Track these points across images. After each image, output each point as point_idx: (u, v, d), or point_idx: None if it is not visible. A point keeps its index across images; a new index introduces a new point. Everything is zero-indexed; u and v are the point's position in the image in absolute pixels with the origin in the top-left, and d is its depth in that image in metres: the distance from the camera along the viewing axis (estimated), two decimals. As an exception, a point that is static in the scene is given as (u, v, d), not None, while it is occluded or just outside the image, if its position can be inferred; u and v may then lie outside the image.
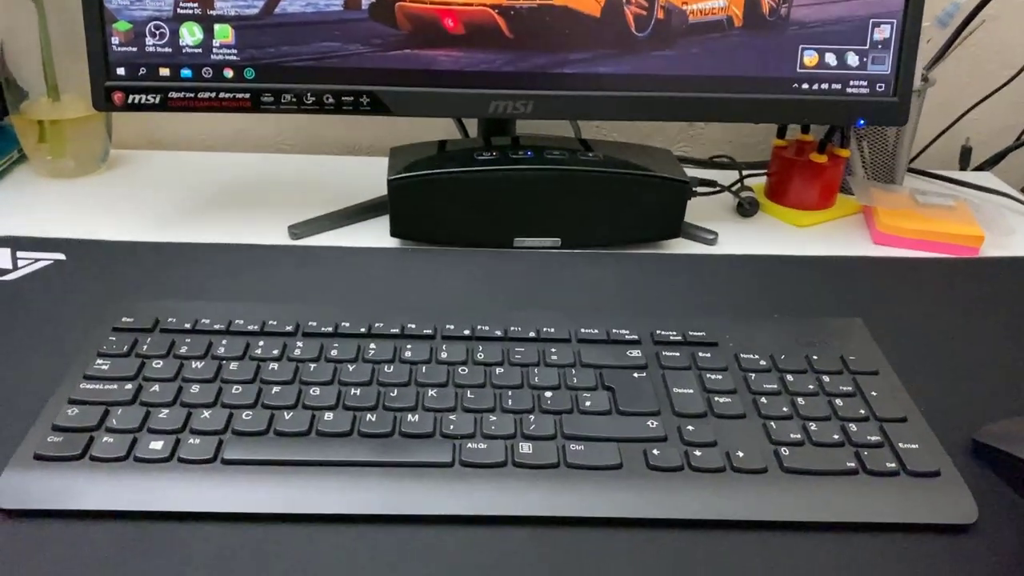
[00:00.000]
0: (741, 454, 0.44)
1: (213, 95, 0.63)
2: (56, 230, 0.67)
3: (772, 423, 0.46)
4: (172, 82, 0.62)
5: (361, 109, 0.64)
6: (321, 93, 0.63)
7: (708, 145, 0.90)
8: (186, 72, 0.62)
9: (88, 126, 0.77)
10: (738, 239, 0.71)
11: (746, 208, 0.74)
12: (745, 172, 0.78)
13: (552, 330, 0.52)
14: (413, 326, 0.52)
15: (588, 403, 0.46)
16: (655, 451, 0.43)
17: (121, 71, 0.61)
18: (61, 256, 0.63)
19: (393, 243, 0.68)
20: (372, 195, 0.73)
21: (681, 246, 0.69)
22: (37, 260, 0.62)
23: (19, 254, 0.62)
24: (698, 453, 0.44)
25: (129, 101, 0.62)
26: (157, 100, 0.62)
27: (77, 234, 0.66)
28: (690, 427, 0.45)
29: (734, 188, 0.75)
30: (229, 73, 0.62)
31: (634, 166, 0.65)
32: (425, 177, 0.64)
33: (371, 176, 0.79)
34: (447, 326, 0.52)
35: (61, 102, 0.76)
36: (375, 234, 0.69)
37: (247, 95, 0.63)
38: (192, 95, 0.62)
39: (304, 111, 0.63)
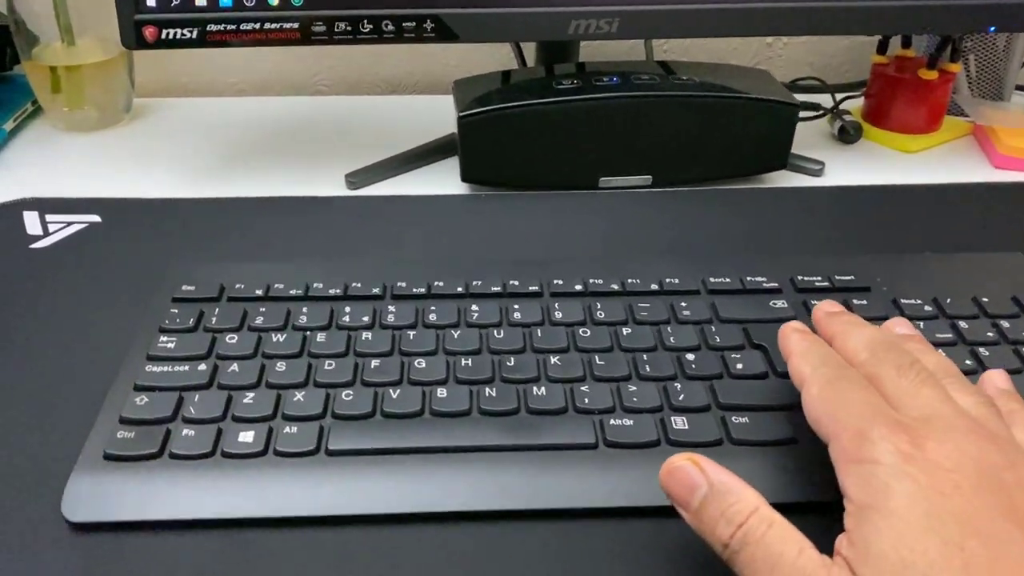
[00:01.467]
0: (931, 418, 0.37)
1: (257, 26, 0.55)
2: (85, 189, 0.60)
3: (957, 379, 0.39)
4: (211, 12, 0.54)
5: (425, 36, 0.56)
6: (380, 19, 0.55)
7: (787, 67, 0.82)
8: (225, 1, 0.54)
9: (108, 72, 0.69)
10: (844, 168, 0.63)
11: (849, 133, 0.66)
12: (840, 95, 0.70)
13: (676, 281, 0.45)
14: (516, 283, 0.45)
15: (739, 366, 0.40)
16: (831, 419, 0.37)
17: (152, 2, 0.53)
18: (96, 218, 0.55)
19: (463, 189, 0.60)
20: (428, 137, 0.66)
21: (784, 179, 0.61)
22: (70, 224, 0.55)
23: (48, 217, 0.55)
24: (880, 419, 0.37)
25: (163, 37, 0.54)
26: (194, 34, 0.54)
27: (109, 192, 0.59)
28: (864, 388, 0.38)
29: (835, 111, 0.67)
30: (274, 0, 0.54)
31: (736, 90, 0.58)
32: (501, 111, 0.57)
33: (423, 116, 0.71)
34: (555, 281, 0.45)
35: (77, 46, 0.68)
36: (442, 179, 0.62)
37: (295, 25, 0.55)
38: (234, 27, 0.54)
39: (360, 41, 0.56)
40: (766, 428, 0.36)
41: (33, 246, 0.52)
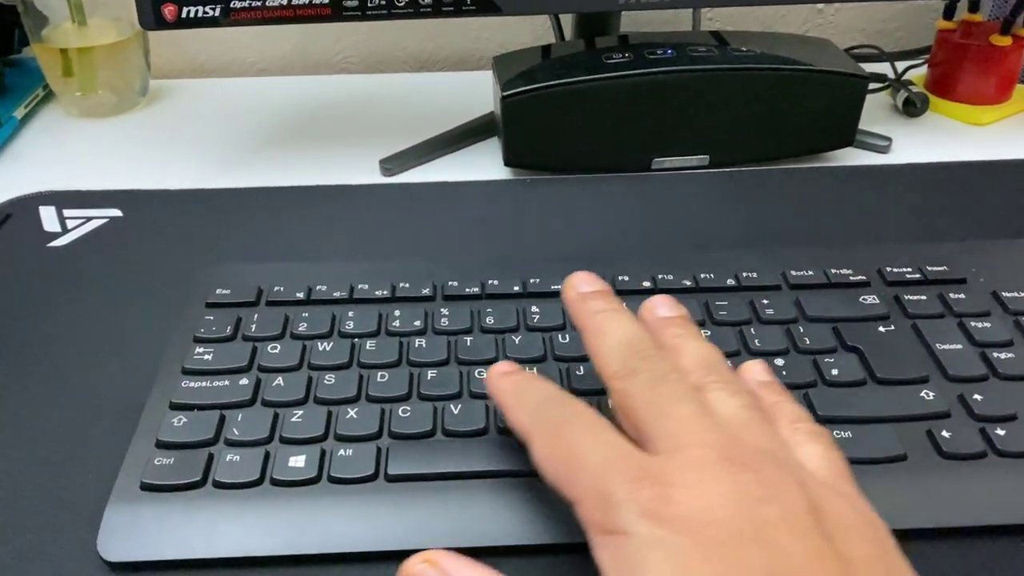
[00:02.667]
0: (1056, 429, 0.33)
1: (285, 1, 0.50)
2: (103, 180, 0.56)
3: (1077, 383, 0.35)
4: (235, -12, 0.50)
5: (464, 9, 0.52)
6: (416, -8, 0.51)
7: (838, 34, 0.77)
8: (249, -25, 0.50)
9: (122, 53, 0.65)
10: (911, 144, 0.59)
11: (916, 106, 0.62)
12: (902, 64, 0.66)
13: (754, 275, 0.42)
14: (578, 279, 0.41)
15: (834, 371, 0.36)
16: (944, 432, 0.33)
17: (171, -22, 0.49)
18: (117, 212, 0.52)
19: (505, 173, 0.56)
20: (462, 117, 0.62)
21: (849, 156, 0.57)
22: (89, 219, 0.51)
23: (66, 212, 0.52)
24: (1000, 432, 0.33)
25: (183, 15, 0.50)
26: (217, 11, 0.50)
27: (129, 184, 0.55)
28: (976, 396, 0.35)
29: (901, 82, 0.63)
30: (303, -27, 0.50)
31: (800, 61, 0.53)
32: (548, 90, 0.52)
33: (456, 94, 0.67)
34: (620, 277, 0.42)
35: (88, 27, 0.64)
36: (482, 163, 0.58)
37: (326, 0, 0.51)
38: (259, 3, 0.50)
39: (396, 16, 0.51)
40: (872, 443, 0.33)
41: (51, 244, 0.48)
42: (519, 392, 0.30)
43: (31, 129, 0.64)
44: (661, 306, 0.32)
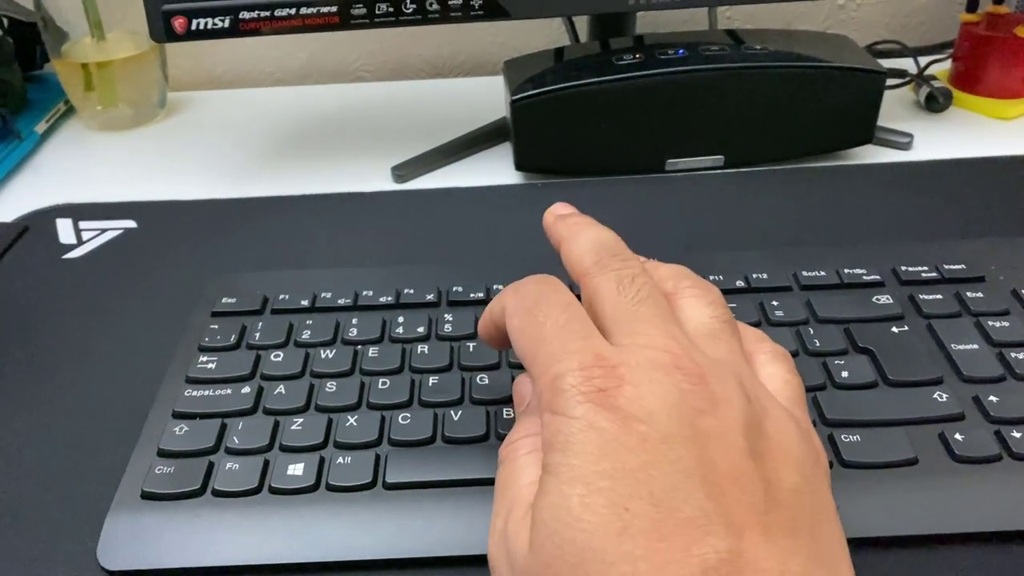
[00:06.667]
0: (1075, 432, 0.32)
1: (293, 11, 0.51)
2: (120, 192, 0.57)
3: (1099, 383, 0.34)
4: (243, -1, 0.50)
5: (472, 15, 0.52)
6: (423, -2, 0.51)
7: (861, 30, 0.75)
8: (258, -15, 0.50)
9: (140, 66, 0.66)
10: (934, 140, 0.57)
11: (939, 101, 0.60)
12: (925, 59, 0.64)
13: (765, 275, 0.41)
14: (584, 283, 0.41)
15: (845, 373, 0.35)
16: (957, 435, 0.32)
17: (180, -10, 0.50)
18: (132, 223, 0.52)
19: (517, 178, 0.56)
20: (475, 122, 0.61)
21: (869, 154, 0.56)
22: (104, 231, 0.51)
23: (82, 224, 0.52)
24: (1016, 434, 0.32)
25: (193, 27, 0.51)
26: (227, 23, 0.51)
27: (145, 195, 0.56)
28: (992, 397, 0.33)
29: (923, 77, 0.62)
30: (310, -18, 0.50)
31: (815, 58, 0.52)
32: (558, 93, 0.52)
33: (470, 99, 0.67)
34: (626, 279, 0.41)
35: (107, 41, 0.65)
36: (493, 168, 0.57)
37: (334, 8, 0.51)
38: (268, 14, 0.51)
39: (404, 23, 0.51)
40: (882, 447, 0.32)
41: (66, 256, 0.49)
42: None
43: (52, 143, 0.65)
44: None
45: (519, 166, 0.55)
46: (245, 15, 0.51)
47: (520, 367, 0.36)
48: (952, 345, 0.36)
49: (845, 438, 0.32)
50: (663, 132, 0.54)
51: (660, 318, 0.25)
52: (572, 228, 0.30)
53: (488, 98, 0.63)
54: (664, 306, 0.26)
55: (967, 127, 0.59)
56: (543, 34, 0.75)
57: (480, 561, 0.30)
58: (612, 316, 0.26)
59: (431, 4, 0.51)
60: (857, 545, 0.29)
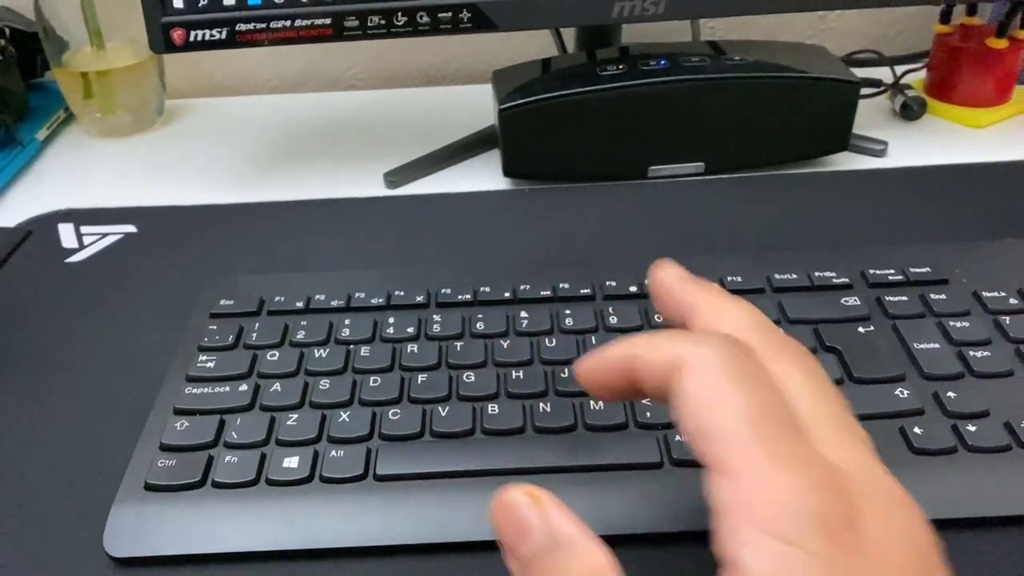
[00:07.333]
0: (1027, 425, 0.34)
1: (288, 23, 0.52)
2: (120, 198, 0.58)
3: (1052, 380, 0.36)
4: (239, 11, 0.52)
5: (461, 27, 0.54)
6: (414, 11, 0.52)
7: (843, 39, 0.77)
8: (254, -2, 0.52)
9: (139, 74, 0.67)
10: (909, 148, 0.59)
11: (913, 110, 0.62)
12: (901, 68, 0.66)
13: (739, 279, 0.43)
14: (567, 286, 0.43)
15: (812, 370, 0.37)
16: (916, 429, 0.34)
17: (179, 3, 0.52)
18: (132, 228, 0.54)
19: (505, 184, 0.58)
20: (467, 130, 0.63)
21: (845, 161, 0.58)
22: (105, 235, 0.53)
23: (83, 229, 0.54)
24: (971, 428, 0.34)
25: (191, 39, 0.52)
26: (224, 35, 0.52)
27: (144, 200, 0.58)
28: (951, 393, 0.35)
29: (898, 86, 0.64)
30: (305, -5, 0.52)
31: (792, 68, 0.54)
32: (544, 102, 0.54)
33: (462, 107, 0.69)
34: (607, 282, 0.43)
35: (106, 50, 0.66)
36: (482, 175, 0.59)
37: (327, 20, 0.53)
38: (263, 25, 0.52)
39: (395, 35, 0.53)
40: (845, 440, 0.34)
41: (68, 260, 0.51)
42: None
43: (53, 150, 0.67)
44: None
45: (507, 172, 0.57)
46: (242, 27, 0.52)
47: (506, 365, 0.38)
48: (915, 344, 0.38)
49: (810, 432, 0.34)
50: (645, 140, 0.56)
51: (850, 428, 0.23)
52: (713, 297, 0.27)
53: (479, 106, 0.65)
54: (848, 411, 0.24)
55: (941, 135, 0.61)
56: (535, 44, 0.77)
57: (463, 548, 0.32)
58: (811, 415, 0.23)
59: (421, 17, 0.53)
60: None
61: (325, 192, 0.57)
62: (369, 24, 0.53)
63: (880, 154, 0.58)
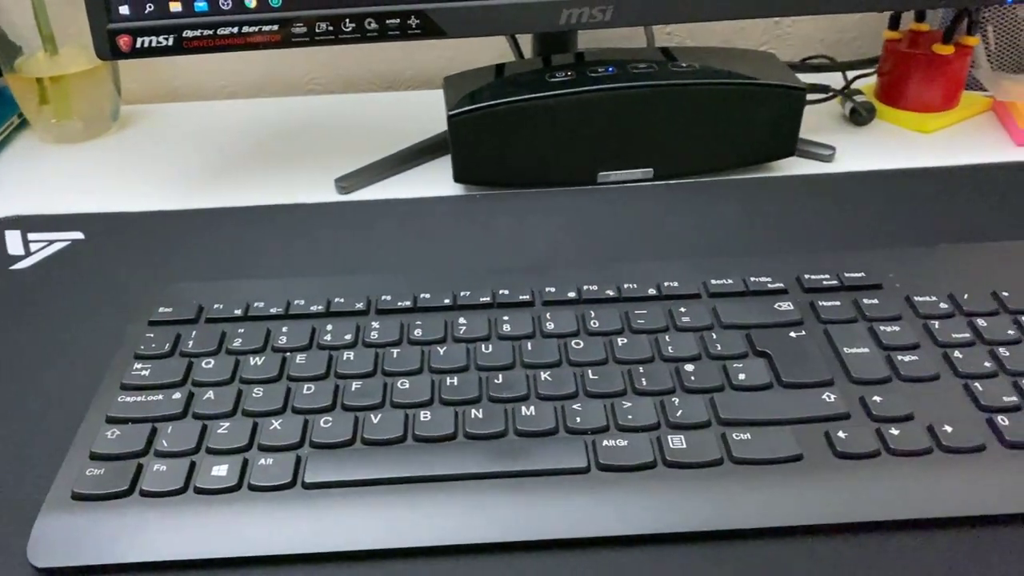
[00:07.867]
0: (949, 428, 0.34)
1: (235, 30, 0.53)
2: (70, 204, 0.58)
3: (976, 383, 0.36)
4: (186, 18, 0.52)
5: (410, 33, 0.54)
6: (362, 17, 0.53)
7: (798, 45, 0.78)
8: (201, 5, 0.52)
9: (93, 80, 0.67)
10: (857, 152, 0.60)
11: (862, 115, 0.63)
12: (852, 73, 0.67)
13: (676, 284, 0.43)
14: (506, 292, 0.43)
15: (742, 376, 0.37)
16: (840, 433, 0.34)
17: (125, 9, 0.51)
18: (79, 235, 0.54)
19: (457, 189, 0.58)
20: (422, 135, 0.64)
21: (793, 166, 0.59)
22: (52, 242, 0.53)
23: (31, 236, 0.54)
24: (895, 431, 0.34)
25: (137, 45, 0.52)
26: (171, 41, 0.52)
27: (96, 207, 0.57)
28: (876, 397, 0.36)
29: (846, 92, 0.64)
30: (252, 2, 0.52)
31: (738, 75, 0.55)
32: (492, 108, 0.54)
33: (418, 113, 0.69)
34: (547, 288, 0.43)
35: (60, 55, 0.66)
36: (434, 180, 0.59)
37: (275, 27, 0.53)
38: (211, 32, 0.52)
39: (343, 41, 0.53)
40: (770, 445, 0.34)
41: (13, 267, 0.50)
42: None
43: (6, 156, 0.67)
44: None
45: (458, 178, 0.57)
46: (189, 34, 0.52)
47: (441, 371, 0.38)
48: (844, 349, 0.38)
49: (736, 436, 0.34)
50: (595, 146, 0.56)
51: None
52: None
53: (434, 112, 0.65)
54: None
55: (889, 140, 0.62)
56: (493, 49, 0.77)
57: (389, 555, 0.32)
58: None
59: (369, 23, 0.53)
60: (743, 537, 0.31)
61: (277, 198, 0.57)
62: (317, 31, 0.53)
63: (828, 159, 0.59)
